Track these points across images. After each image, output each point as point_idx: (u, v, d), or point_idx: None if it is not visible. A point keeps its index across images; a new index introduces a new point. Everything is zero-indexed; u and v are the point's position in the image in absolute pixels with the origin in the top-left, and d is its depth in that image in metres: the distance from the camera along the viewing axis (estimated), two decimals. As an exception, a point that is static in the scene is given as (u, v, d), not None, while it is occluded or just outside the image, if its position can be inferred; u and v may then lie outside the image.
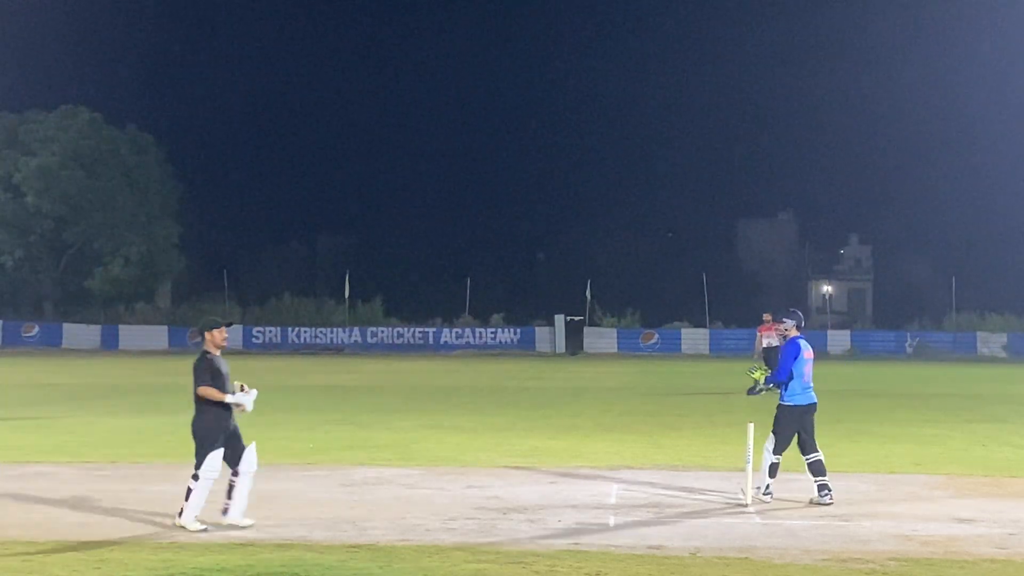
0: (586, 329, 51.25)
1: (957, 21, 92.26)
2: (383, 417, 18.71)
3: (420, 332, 52.29)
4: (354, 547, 8.44)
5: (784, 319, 10.93)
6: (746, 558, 8.15)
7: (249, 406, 9.19)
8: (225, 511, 9.15)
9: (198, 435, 9.09)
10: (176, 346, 50.17)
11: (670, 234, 77.29)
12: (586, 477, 11.95)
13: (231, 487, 9.16)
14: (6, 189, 53.74)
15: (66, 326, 51.62)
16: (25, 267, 55.87)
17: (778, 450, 10.55)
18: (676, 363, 41.34)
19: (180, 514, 9.06)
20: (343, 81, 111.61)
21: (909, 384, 29.80)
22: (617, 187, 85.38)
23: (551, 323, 51.61)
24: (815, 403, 10.75)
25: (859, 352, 49.33)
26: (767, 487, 10.47)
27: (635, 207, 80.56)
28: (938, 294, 60.68)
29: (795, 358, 10.59)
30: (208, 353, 9.18)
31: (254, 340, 51.13)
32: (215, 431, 9.04)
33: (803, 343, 10.74)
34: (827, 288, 73.63)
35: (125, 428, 16.72)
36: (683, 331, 52.18)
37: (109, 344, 50.44)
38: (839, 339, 51.47)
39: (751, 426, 10.47)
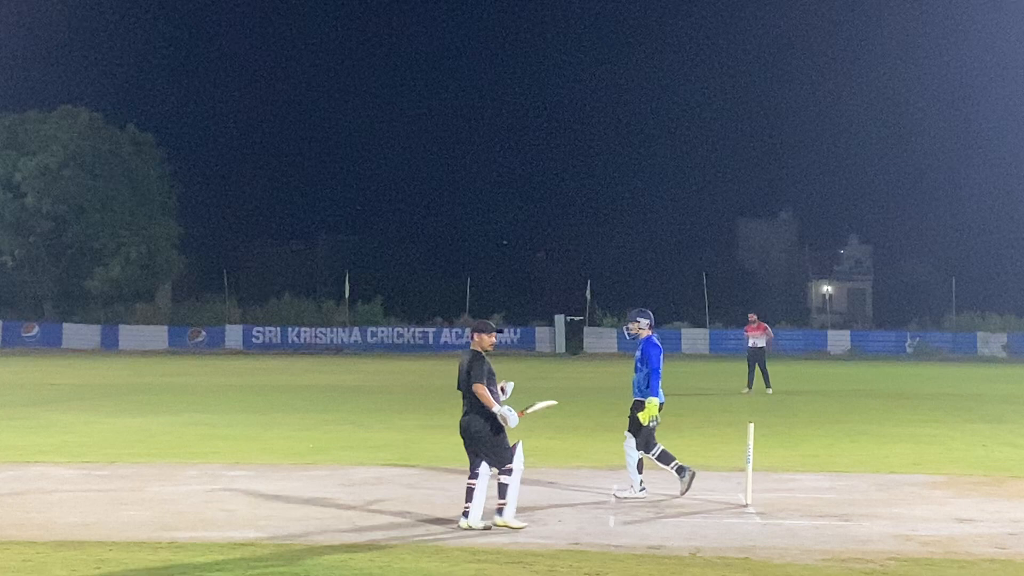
0: (586, 329, 51.24)
1: (958, 21, 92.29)
2: (383, 417, 18.70)
3: (420, 332, 52.24)
4: (354, 547, 8.44)
5: (638, 318, 10.86)
6: (746, 558, 8.14)
7: (512, 422, 9.08)
8: (500, 511, 9.14)
9: (491, 437, 9.12)
10: (176, 346, 50.18)
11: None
12: (586, 477, 11.95)
13: (469, 490, 9.16)
14: (6, 189, 53.68)
15: (66, 326, 51.59)
16: (25, 267, 55.84)
17: (642, 447, 10.57)
18: (676, 363, 41.25)
19: (500, 513, 9.06)
20: (343, 81, 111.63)
21: (909, 384, 29.78)
22: (617, 187, 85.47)
23: (551, 323, 51.59)
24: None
25: (859, 352, 49.29)
26: (640, 482, 10.56)
27: (635, 207, 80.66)
28: (938, 294, 60.66)
29: (660, 356, 10.65)
30: (480, 353, 9.33)
31: (254, 340, 51.08)
32: (500, 426, 9.12)
33: (658, 341, 10.80)
34: (827, 288, 73.60)
35: (125, 428, 16.71)
36: (683, 331, 52.09)
37: (109, 344, 50.41)
38: (839, 339, 51.44)
39: (751, 426, 10.48)
